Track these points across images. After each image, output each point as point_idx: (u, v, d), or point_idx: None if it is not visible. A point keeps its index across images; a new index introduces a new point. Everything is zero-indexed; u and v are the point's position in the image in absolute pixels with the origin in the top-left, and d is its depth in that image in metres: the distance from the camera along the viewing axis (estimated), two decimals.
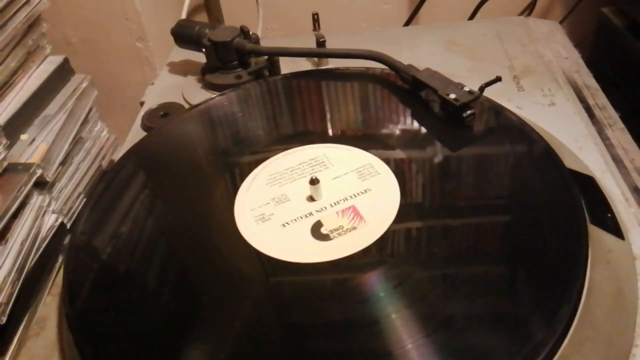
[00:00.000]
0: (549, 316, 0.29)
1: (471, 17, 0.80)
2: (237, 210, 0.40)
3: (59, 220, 0.47)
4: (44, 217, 0.45)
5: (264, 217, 0.39)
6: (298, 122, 0.49)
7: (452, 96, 0.43)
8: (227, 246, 0.37)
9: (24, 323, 0.41)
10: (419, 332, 0.30)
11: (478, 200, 0.39)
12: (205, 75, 0.57)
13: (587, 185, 0.39)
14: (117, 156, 0.56)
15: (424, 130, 0.45)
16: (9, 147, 0.43)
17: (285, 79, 0.54)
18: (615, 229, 0.37)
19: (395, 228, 0.36)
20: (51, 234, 0.46)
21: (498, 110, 0.45)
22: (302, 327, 0.32)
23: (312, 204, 0.39)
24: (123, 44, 0.78)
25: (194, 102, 0.54)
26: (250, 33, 0.56)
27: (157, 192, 0.43)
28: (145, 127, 0.54)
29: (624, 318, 0.32)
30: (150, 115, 0.55)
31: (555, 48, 0.59)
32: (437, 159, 0.42)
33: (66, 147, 0.49)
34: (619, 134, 0.47)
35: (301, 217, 0.38)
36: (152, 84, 0.63)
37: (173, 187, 0.43)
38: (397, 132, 0.45)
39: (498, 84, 0.44)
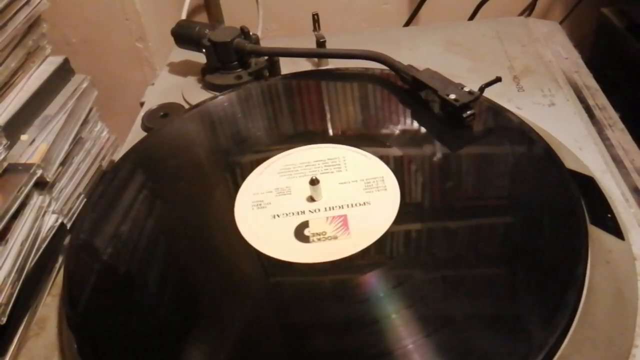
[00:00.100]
0: (548, 316, 0.29)
1: (471, 18, 0.80)
2: (240, 192, 0.40)
3: (59, 221, 0.47)
4: (44, 217, 0.45)
5: (260, 204, 0.39)
6: (314, 121, 0.49)
7: (452, 96, 0.43)
8: (227, 246, 0.37)
9: (24, 323, 0.41)
10: (418, 332, 0.30)
11: (478, 201, 0.39)
12: (206, 75, 0.57)
13: (587, 185, 0.39)
14: (117, 156, 0.56)
15: (423, 130, 0.45)
16: (9, 148, 0.43)
17: (285, 79, 0.54)
18: (615, 229, 0.37)
19: (394, 229, 0.36)
20: (51, 235, 0.46)
21: (498, 111, 0.45)
22: (274, 324, 0.33)
23: (309, 204, 0.39)
24: (123, 44, 0.78)
25: (194, 102, 0.54)
26: (251, 33, 0.56)
27: (157, 192, 0.44)
28: (145, 127, 0.54)
29: (624, 318, 0.32)
30: (151, 116, 0.55)
31: (555, 48, 0.59)
32: (437, 159, 0.42)
33: (66, 147, 0.49)
34: (619, 134, 0.47)
35: (293, 214, 0.39)
36: (152, 84, 0.63)
37: (173, 187, 0.43)
38: (397, 131, 0.45)
39: (498, 84, 0.44)
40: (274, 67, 0.57)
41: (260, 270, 0.36)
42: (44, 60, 0.51)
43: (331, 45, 0.57)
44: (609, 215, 0.37)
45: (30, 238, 0.43)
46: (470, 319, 0.31)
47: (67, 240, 0.47)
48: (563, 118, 0.48)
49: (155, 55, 0.79)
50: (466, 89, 0.44)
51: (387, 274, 0.33)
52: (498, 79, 0.44)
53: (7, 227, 0.41)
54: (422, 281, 0.33)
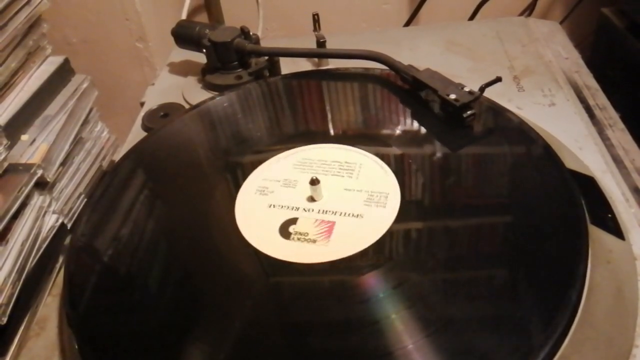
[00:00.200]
0: (549, 316, 0.29)
1: (471, 18, 0.80)
2: (252, 176, 0.41)
3: (60, 221, 0.47)
4: (44, 217, 0.45)
5: (264, 191, 0.40)
6: (315, 121, 0.49)
7: (453, 96, 0.43)
8: (227, 246, 0.37)
9: (24, 323, 0.41)
10: (418, 333, 0.30)
11: (479, 201, 0.39)
12: (206, 75, 0.57)
13: (588, 185, 0.39)
14: (117, 156, 0.56)
15: (424, 130, 0.45)
16: (9, 148, 0.43)
17: (285, 79, 0.54)
18: (615, 229, 0.37)
19: (396, 228, 0.36)
20: (52, 235, 0.46)
21: (498, 111, 0.45)
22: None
23: (307, 202, 0.39)
24: (123, 44, 0.78)
25: (194, 102, 0.54)
26: (251, 33, 0.56)
27: (157, 192, 0.44)
28: (145, 127, 0.54)
29: (624, 318, 0.32)
30: (151, 116, 0.55)
31: (555, 48, 0.59)
32: (437, 158, 0.42)
33: (67, 147, 0.49)
34: (619, 134, 0.47)
35: (287, 207, 0.39)
36: (153, 84, 0.63)
37: (173, 187, 0.43)
38: (398, 132, 0.45)
39: (498, 84, 0.44)
40: (274, 67, 0.57)
41: (234, 254, 0.37)
42: (44, 61, 0.51)
43: (331, 45, 0.57)
44: (610, 215, 0.37)
45: (30, 238, 0.43)
46: (470, 319, 0.31)
47: (67, 240, 0.47)
48: (563, 118, 0.48)
49: (156, 55, 0.79)
50: (466, 89, 0.44)
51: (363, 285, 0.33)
52: (498, 79, 0.44)
53: (8, 227, 0.41)
54: (420, 283, 0.33)
